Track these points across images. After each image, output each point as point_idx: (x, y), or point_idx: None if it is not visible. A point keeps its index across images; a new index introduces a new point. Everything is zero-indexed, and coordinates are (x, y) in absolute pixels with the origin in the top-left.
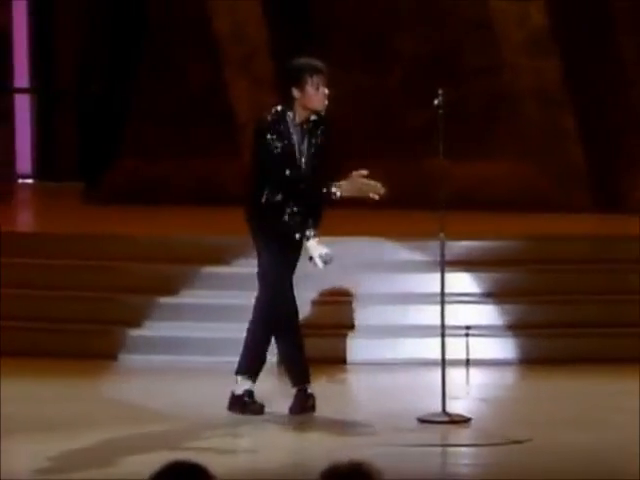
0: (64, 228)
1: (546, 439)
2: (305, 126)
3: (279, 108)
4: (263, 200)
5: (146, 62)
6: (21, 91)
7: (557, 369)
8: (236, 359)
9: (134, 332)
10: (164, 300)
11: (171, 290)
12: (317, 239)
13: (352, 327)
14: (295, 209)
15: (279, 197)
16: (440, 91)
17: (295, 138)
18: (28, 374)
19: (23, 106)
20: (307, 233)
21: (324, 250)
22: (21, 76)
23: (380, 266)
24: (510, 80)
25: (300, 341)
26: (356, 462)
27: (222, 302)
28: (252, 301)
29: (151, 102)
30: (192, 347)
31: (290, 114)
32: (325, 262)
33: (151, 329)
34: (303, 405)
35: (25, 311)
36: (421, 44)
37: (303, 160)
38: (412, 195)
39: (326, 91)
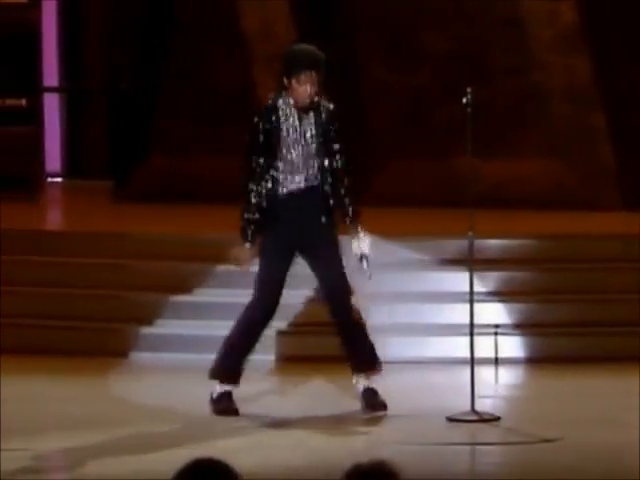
0: (92, 226)
1: (576, 438)
2: (303, 109)
3: (274, 98)
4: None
5: (175, 60)
6: (50, 90)
7: (587, 368)
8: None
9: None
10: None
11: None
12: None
13: (381, 326)
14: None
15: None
16: (469, 89)
17: (289, 122)
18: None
19: (52, 105)
20: (352, 228)
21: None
22: (50, 75)
23: (409, 264)
24: (540, 79)
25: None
26: (379, 461)
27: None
28: None
29: (180, 100)
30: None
31: (286, 99)
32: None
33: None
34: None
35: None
36: (450, 42)
37: (303, 141)
38: (441, 194)
39: (309, 89)
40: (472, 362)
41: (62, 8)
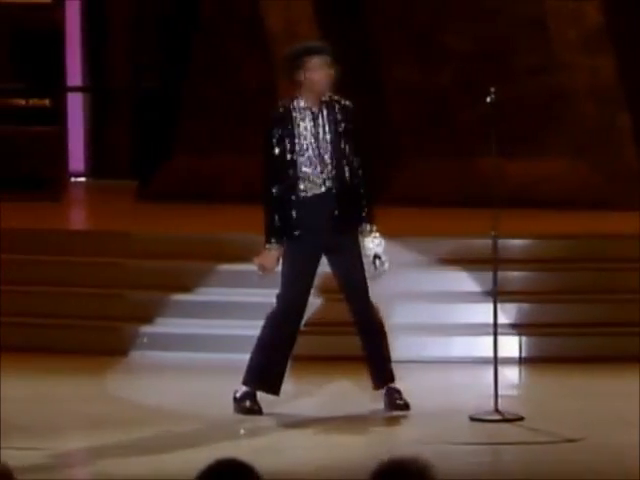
0: (116, 226)
1: (599, 438)
2: (315, 110)
3: (284, 103)
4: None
5: (198, 60)
6: (74, 90)
7: (611, 368)
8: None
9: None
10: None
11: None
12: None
13: (404, 325)
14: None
15: (288, 194)
16: (492, 89)
17: (303, 125)
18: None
19: (76, 105)
20: (367, 228)
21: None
22: (74, 75)
23: (434, 263)
24: (564, 79)
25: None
26: (413, 457)
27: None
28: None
29: (203, 100)
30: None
31: (297, 101)
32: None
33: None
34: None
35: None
36: (474, 42)
37: (315, 144)
38: (464, 193)
39: (330, 71)
40: (495, 362)
41: (86, 8)
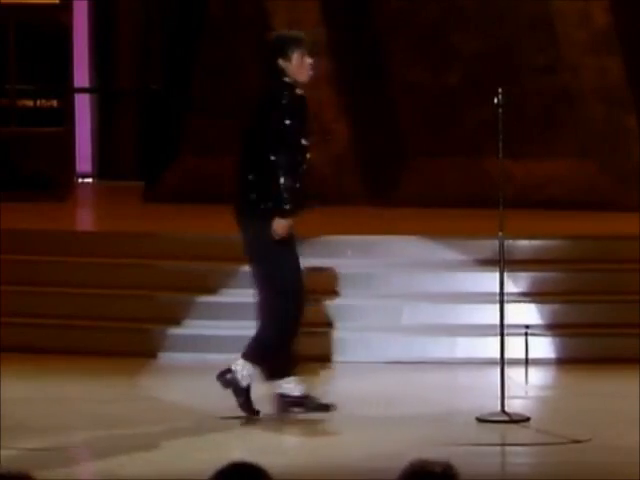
0: (122, 227)
1: (606, 438)
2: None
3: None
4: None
5: (205, 60)
6: (81, 91)
7: (617, 368)
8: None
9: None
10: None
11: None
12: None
13: (411, 326)
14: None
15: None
16: (500, 90)
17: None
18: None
19: (83, 106)
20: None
21: None
22: (81, 76)
23: (440, 264)
24: (572, 79)
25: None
26: (444, 462)
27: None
28: None
29: (210, 100)
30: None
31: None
32: None
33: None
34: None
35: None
36: (481, 42)
37: None
38: (471, 194)
39: (310, 61)
40: (502, 362)
41: (93, 9)
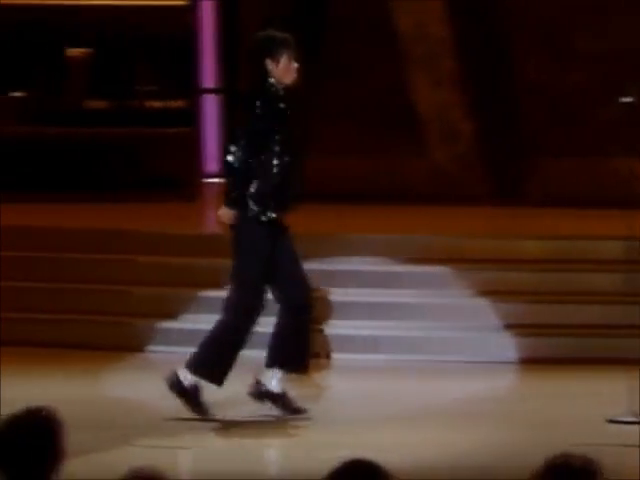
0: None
1: None
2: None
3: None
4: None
5: (327, 61)
6: (209, 91)
7: None
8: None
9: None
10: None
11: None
12: None
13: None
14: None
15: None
16: (627, 89)
17: None
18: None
19: (211, 106)
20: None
21: None
22: (208, 76)
23: (564, 264)
24: None
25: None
26: (587, 458)
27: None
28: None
29: (333, 101)
30: None
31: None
32: None
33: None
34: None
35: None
36: (607, 40)
37: None
38: (599, 193)
39: (296, 65)
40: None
41: (219, 9)
